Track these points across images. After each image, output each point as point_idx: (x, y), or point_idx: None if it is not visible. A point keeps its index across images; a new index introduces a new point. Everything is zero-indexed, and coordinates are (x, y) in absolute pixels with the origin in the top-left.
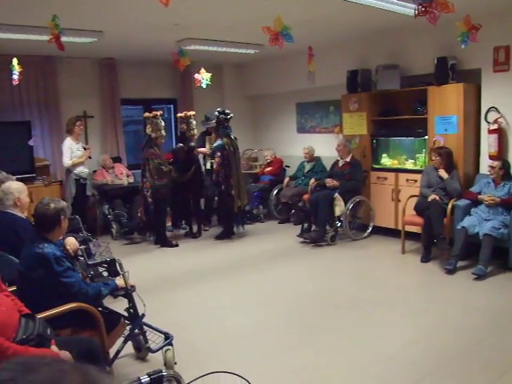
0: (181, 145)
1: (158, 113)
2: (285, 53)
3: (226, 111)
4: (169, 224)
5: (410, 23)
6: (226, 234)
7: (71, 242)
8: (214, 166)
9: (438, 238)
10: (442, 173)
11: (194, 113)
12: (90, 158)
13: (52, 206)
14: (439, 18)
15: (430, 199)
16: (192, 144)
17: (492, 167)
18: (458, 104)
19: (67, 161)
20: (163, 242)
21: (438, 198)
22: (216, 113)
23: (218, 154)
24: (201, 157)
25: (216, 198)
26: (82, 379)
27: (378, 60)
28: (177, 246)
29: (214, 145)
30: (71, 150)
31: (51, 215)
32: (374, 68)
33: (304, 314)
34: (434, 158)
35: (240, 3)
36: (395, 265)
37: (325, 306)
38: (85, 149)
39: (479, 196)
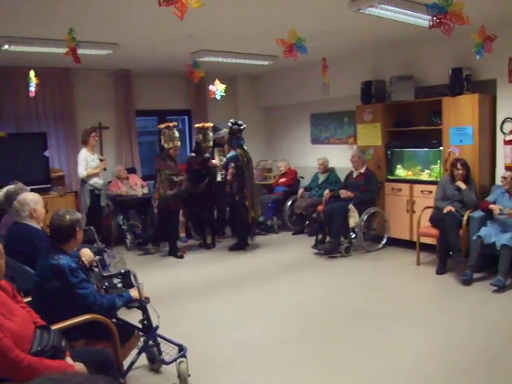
0: (192, 154)
1: (172, 124)
2: (299, 64)
3: (239, 122)
4: (183, 235)
5: (425, 34)
6: (240, 245)
7: (86, 254)
8: (228, 177)
9: (454, 250)
10: (461, 184)
11: (211, 124)
12: (105, 169)
13: (67, 217)
14: (454, 30)
15: (445, 211)
16: (206, 155)
17: (504, 178)
18: (473, 115)
19: (82, 171)
20: (171, 252)
21: (454, 209)
22: (229, 124)
23: (232, 164)
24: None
25: (228, 209)
26: None
27: (392, 71)
28: (181, 257)
29: (228, 156)
30: (86, 161)
31: (67, 227)
32: (389, 79)
33: (317, 326)
34: (460, 172)
35: (254, 15)
36: (410, 277)
37: (338, 318)
38: (101, 160)
39: (490, 205)
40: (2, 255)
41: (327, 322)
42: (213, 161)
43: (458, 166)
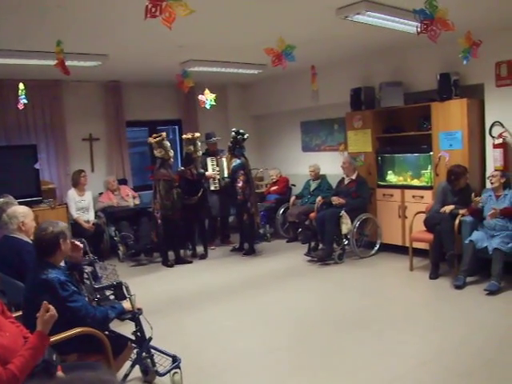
0: (182, 168)
1: (164, 134)
2: (288, 72)
3: (241, 131)
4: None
5: (412, 40)
6: (253, 250)
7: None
8: (240, 185)
9: (450, 254)
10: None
11: (199, 134)
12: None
13: (50, 229)
14: (440, 36)
15: (447, 210)
16: (201, 171)
17: (493, 176)
18: (462, 119)
19: (73, 214)
20: (178, 260)
21: (453, 207)
22: (232, 133)
23: (242, 171)
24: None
25: (232, 217)
26: None
27: (382, 77)
28: (171, 266)
29: (234, 164)
30: (74, 202)
31: (49, 239)
32: (378, 85)
33: (313, 333)
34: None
35: (243, 25)
36: (403, 282)
37: (333, 325)
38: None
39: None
40: None
41: (321, 329)
42: (207, 173)
43: (452, 178)
